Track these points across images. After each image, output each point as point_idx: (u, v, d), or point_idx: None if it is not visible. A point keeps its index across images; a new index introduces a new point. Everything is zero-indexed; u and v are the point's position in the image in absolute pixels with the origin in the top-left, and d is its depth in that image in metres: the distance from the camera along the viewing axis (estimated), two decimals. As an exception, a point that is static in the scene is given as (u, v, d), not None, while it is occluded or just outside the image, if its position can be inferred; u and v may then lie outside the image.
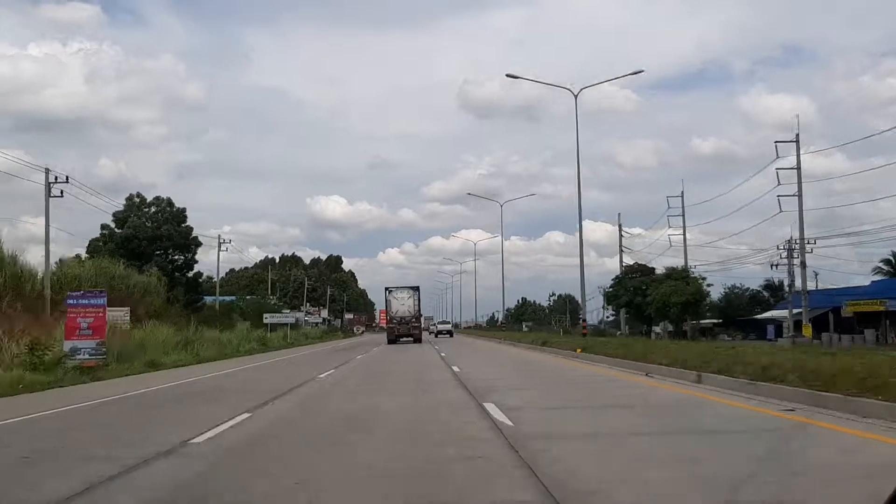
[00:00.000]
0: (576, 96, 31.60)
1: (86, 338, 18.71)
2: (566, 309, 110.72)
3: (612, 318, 72.57)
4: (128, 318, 27.70)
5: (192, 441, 6.97)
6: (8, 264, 29.79)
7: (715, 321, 63.25)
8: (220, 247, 57.55)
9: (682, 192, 55.28)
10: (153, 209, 50.37)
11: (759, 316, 60.37)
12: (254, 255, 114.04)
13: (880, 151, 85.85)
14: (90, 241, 48.98)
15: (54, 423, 9.43)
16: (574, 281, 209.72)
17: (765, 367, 10.11)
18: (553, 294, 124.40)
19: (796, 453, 5.91)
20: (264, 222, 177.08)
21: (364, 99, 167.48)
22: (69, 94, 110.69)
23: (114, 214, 47.89)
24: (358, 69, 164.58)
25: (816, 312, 45.10)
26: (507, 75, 33.74)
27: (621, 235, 63.17)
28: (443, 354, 25.84)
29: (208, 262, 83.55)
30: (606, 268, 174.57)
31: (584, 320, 33.47)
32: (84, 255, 46.62)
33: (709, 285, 51.35)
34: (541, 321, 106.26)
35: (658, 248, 73.83)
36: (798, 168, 43.16)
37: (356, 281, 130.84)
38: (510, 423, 7.57)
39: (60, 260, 40.77)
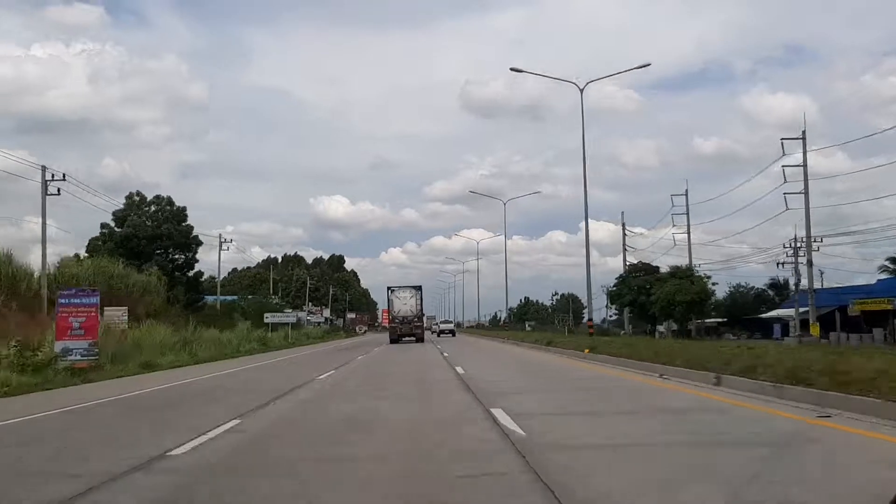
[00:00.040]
0: (581, 90, 31.21)
1: (78, 338, 18.11)
2: (569, 308, 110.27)
3: (614, 318, 72.02)
4: (126, 317, 27.18)
5: (171, 453, 6.34)
6: (3, 263, 29.31)
7: (719, 320, 62.63)
8: (220, 246, 57.20)
9: (686, 191, 54.82)
10: (153, 208, 49.88)
11: (764, 315, 59.67)
12: (257, 255, 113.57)
13: (882, 150, 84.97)
14: (90, 241, 48.57)
15: (23, 430, 8.72)
16: (576, 280, 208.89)
17: (791, 369, 9.46)
18: (556, 293, 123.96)
19: (842, 467, 5.28)
20: (267, 222, 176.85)
21: (365, 99, 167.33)
22: (72, 94, 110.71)
23: (113, 213, 47.44)
24: (359, 69, 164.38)
25: (822, 311, 44.52)
26: (511, 69, 32.84)
27: (625, 234, 62.64)
28: (445, 354, 25.21)
29: (211, 262, 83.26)
30: (608, 267, 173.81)
31: (591, 320, 32.81)
32: (84, 254, 46.19)
33: (714, 284, 50.91)
34: (544, 321, 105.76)
35: (660, 248, 72.99)
36: (805, 165, 42.64)
37: (359, 281, 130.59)
38: (522, 432, 6.91)
39: (61, 259, 40.35)
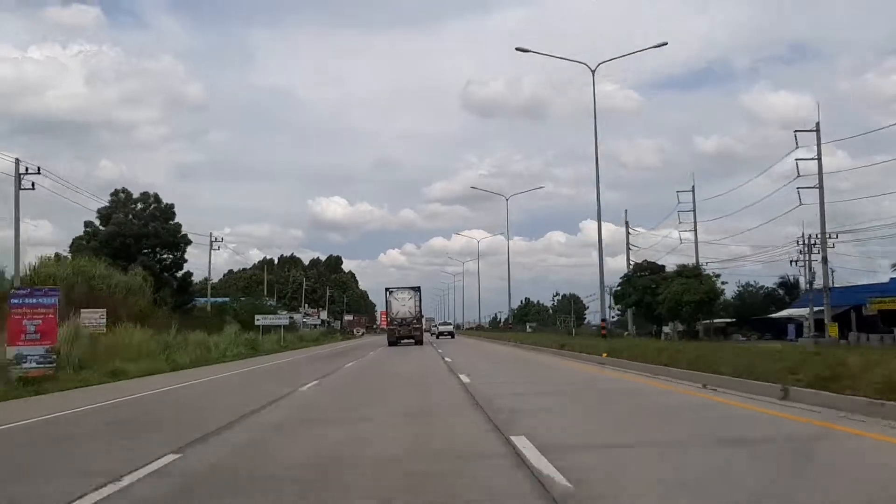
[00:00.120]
0: (593, 71, 29.64)
1: (32, 343, 16.03)
2: (570, 309, 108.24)
3: (616, 318, 70.05)
4: (104, 320, 25.25)
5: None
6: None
7: (728, 321, 60.64)
8: (211, 245, 55.24)
9: (693, 187, 52.99)
10: (140, 205, 47.88)
11: (774, 315, 57.72)
12: (254, 257, 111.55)
13: (884, 149, 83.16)
14: (73, 240, 46.63)
15: None
16: (575, 281, 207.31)
17: (890, 380, 7.45)
18: (557, 294, 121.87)
19: None
20: (266, 224, 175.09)
21: (365, 99, 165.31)
22: (70, 95, 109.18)
23: (98, 211, 45.54)
24: (359, 70, 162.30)
25: (837, 311, 42.68)
26: (517, 48, 30.84)
27: (628, 233, 60.73)
28: (447, 360, 23.09)
29: (205, 264, 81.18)
30: (609, 267, 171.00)
31: (604, 320, 30.77)
32: (67, 253, 44.12)
33: (723, 283, 49.09)
34: (545, 321, 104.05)
35: (664, 247, 71.15)
36: (819, 158, 40.78)
37: (356, 282, 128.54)
38: (566, 482, 4.74)
39: (39, 259, 38.30)
